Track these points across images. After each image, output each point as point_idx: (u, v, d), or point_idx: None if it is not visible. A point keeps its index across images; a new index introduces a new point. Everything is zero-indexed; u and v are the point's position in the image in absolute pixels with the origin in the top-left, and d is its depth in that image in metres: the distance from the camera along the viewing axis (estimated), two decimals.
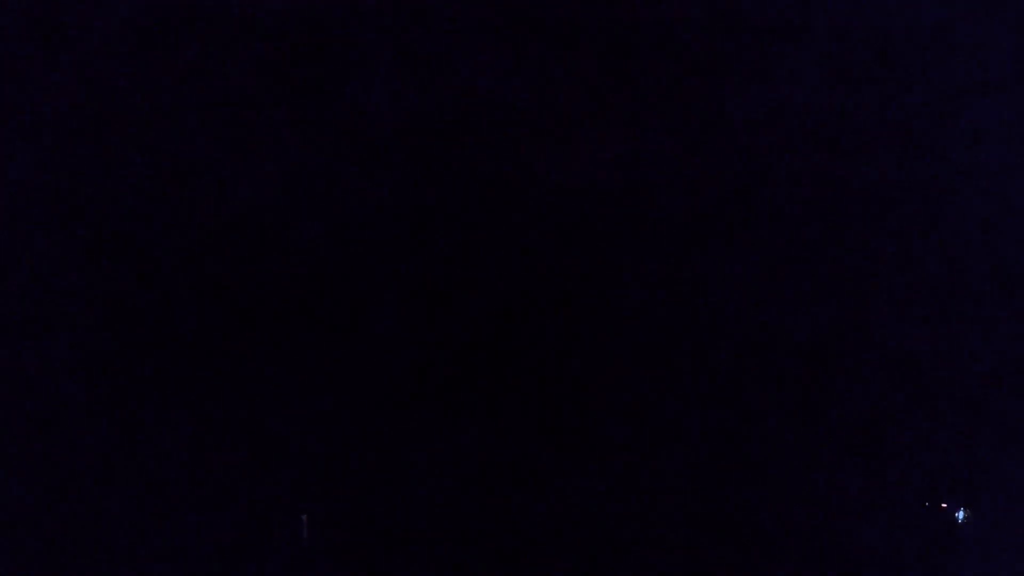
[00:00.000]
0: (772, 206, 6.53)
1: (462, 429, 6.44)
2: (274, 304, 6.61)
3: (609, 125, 6.67)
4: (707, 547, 6.03)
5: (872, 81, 6.60)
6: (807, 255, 6.60)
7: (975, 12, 6.50)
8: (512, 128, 6.64)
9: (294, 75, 6.57)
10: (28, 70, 6.64)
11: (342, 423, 6.48)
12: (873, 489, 5.80)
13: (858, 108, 6.60)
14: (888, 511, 5.77)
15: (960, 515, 5.67)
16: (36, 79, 6.68)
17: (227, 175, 6.61)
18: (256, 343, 6.55)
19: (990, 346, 6.46)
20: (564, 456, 6.44)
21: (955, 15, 6.45)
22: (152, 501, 6.20)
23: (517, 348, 6.65)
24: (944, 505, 5.68)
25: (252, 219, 6.66)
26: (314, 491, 6.27)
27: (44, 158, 6.68)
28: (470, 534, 6.16)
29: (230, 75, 6.55)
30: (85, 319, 6.45)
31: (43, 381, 6.23)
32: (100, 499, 5.98)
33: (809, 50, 6.48)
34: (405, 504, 6.28)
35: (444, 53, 6.52)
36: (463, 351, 6.63)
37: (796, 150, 6.63)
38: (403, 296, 6.68)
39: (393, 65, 6.54)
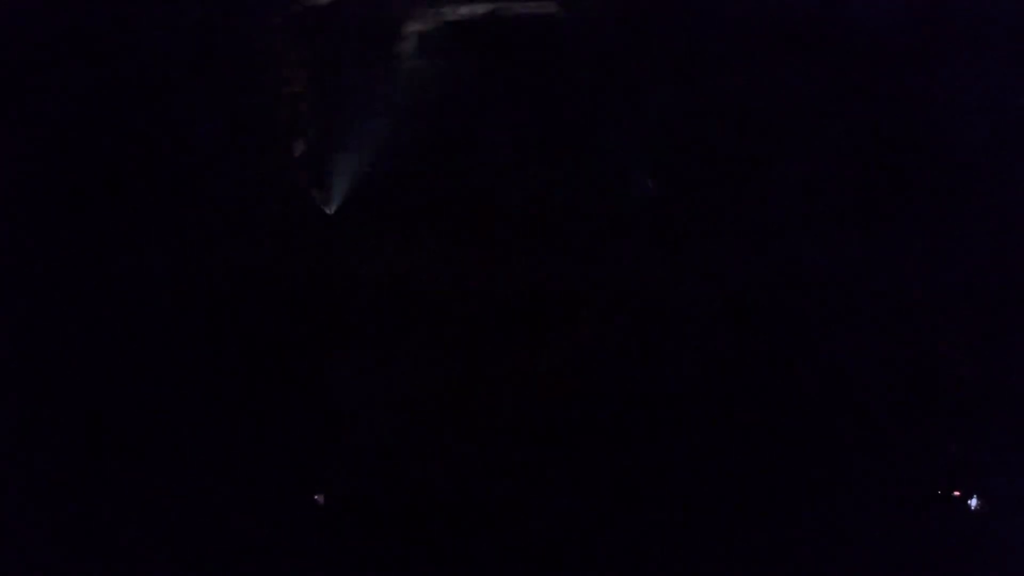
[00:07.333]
0: None
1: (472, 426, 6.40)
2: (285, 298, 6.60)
3: None
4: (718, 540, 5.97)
5: None
6: (801, 254, 6.57)
7: None
8: None
9: None
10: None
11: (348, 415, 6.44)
12: (886, 477, 5.73)
13: None
14: (901, 499, 5.69)
15: (973, 503, 5.59)
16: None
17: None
18: (265, 336, 6.53)
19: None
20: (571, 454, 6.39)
21: None
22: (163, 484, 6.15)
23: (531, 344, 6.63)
24: (957, 493, 5.60)
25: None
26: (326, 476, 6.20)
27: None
28: (479, 530, 6.11)
29: None
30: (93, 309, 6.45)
31: (49, 377, 6.22)
32: (103, 491, 5.93)
33: None
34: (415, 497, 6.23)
35: None
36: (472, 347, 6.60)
37: None
38: (403, 294, 6.66)
39: None
